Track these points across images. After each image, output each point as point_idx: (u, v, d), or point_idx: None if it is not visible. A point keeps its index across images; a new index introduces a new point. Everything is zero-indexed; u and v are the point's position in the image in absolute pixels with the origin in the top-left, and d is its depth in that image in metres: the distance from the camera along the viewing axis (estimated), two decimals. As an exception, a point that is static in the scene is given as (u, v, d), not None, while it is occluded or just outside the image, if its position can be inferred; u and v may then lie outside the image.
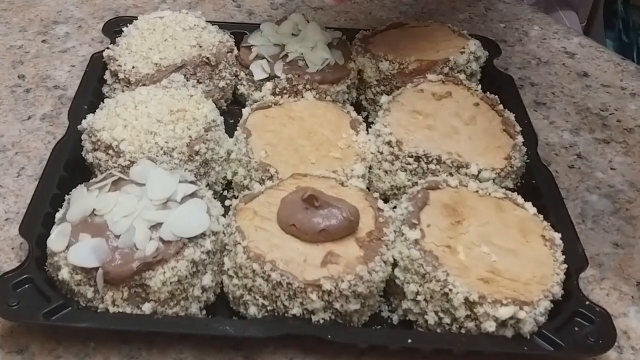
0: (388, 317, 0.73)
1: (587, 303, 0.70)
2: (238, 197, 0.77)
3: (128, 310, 0.67)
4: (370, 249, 0.70)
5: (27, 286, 0.68)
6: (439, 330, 0.69)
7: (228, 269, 0.71)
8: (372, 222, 0.73)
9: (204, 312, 0.72)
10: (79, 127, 0.83)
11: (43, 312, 0.66)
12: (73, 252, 0.66)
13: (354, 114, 0.90)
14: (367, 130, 0.88)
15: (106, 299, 0.67)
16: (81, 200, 0.71)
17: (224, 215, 0.75)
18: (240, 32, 1.04)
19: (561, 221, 0.79)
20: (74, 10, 1.19)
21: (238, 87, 0.99)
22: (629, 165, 0.96)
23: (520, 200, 0.77)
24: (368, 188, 0.83)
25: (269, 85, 0.93)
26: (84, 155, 0.82)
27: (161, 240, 0.67)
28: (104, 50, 0.96)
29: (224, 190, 0.87)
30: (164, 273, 0.66)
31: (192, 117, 0.82)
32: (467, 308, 0.66)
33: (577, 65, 1.17)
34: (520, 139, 0.85)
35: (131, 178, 0.73)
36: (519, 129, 0.87)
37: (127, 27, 0.98)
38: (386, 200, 0.82)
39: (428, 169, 0.81)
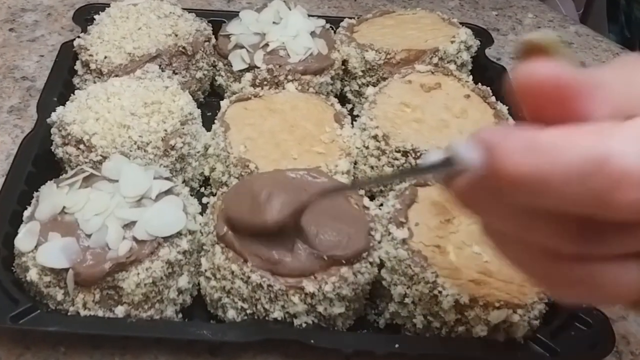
0: (374, 321, 0.73)
1: (584, 306, 0.69)
2: (216, 193, 0.77)
3: (100, 313, 0.66)
4: (355, 249, 0.69)
5: (-8, 288, 0.67)
6: (427, 335, 0.68)
7: (205, 270, 0.70)
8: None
9: (180, 315, 0.71)
10: (48, 120, 0.83)
11: (10, 315, 0.65)
12: (42, 251, 0.65)
13: (338, 106, 0.89)
14: (352, 124, 0.87)
15: (77, 301, 0.66)
16: (50, 197, 0.70)
17: (201, 213, 0.74)
18: (218, 20, 1.03)
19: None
20: (42, -3, 1.19)
21: (216, 77, 0.99)
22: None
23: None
24: (353, 184, 0.83)
25: (249, 76, 0.92)
26: (53, 150, 0.81)
27: (134, 239, 0.67)
28: (74, 39, 0.95)
29: (200, 186, 0.87)
30: (138, 274, 0.65)
31: (168, 109, 0.81)
32: (457, 311, 0.66)
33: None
34: (513, 132, 0.84)
35: (103, 174, 0.72)
36: (512, 122, 0.86)
37: (99, 14, 0.97)
38: (372, 198, 0.81)
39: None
